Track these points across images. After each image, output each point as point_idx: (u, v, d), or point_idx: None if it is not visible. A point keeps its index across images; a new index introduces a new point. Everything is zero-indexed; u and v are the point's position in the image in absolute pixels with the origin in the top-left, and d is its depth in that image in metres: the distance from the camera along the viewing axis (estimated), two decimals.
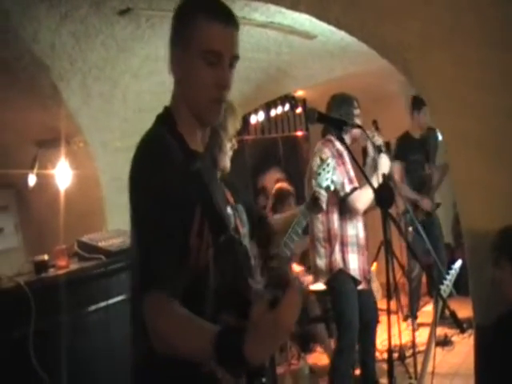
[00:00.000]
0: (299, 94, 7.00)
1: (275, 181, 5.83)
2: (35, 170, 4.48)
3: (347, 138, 3.46)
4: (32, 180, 4.50)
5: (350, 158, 3.45)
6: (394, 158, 5.05)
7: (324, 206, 2.68)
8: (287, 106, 6.83)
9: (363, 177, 2.46)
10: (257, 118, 6.57)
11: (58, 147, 4.31)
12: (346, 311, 3.59)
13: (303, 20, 4.05)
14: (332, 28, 4.37)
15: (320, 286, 4.50)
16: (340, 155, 3.49)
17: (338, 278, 3.54)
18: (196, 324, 1.34)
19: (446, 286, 2.71)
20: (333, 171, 2.74)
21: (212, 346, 1.24)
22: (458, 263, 2.81)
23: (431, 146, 5.72)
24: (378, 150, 3.58)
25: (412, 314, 5.08)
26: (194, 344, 1.30)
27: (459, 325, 2.29)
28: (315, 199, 2.62)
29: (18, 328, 2.84)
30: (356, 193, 3.45)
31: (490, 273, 2.58)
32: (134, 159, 1.48)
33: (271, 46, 4.53)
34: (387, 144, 5.67)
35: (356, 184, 3.50)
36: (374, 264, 6.14)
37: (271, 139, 7.14)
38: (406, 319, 5.60)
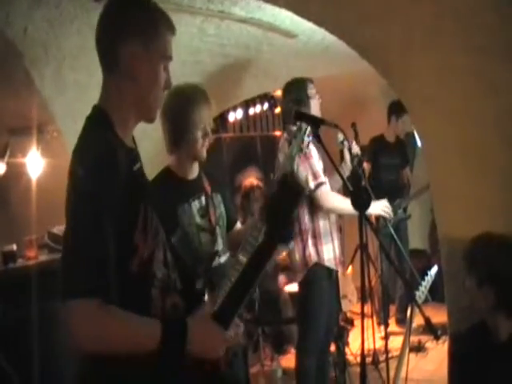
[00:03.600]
0: (278, 93, 6.95)
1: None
2: (6, 159, 4.37)
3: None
4: (1, 168, 4.39)
5: (320, 154, 3.38)
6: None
7: None
8: (266, 105, 6.77)
9: (339, 177, 2.40)
10: (235, 116, 6.50)
11: (30, 135, 4.22)
12: (316, 310, 3.51)
13: (283, 17, 4.00)
14: (313, 27, 4.34)
15: (294, 288, 4.48)
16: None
17: (313, 273, 3.46)
18: (135, 317, 1.41)
19: (422, 292, 2.70)
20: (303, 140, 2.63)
21: (159, 332, 1.39)
22: (434, 269, 2.80)
23: (409, 151, 5.74)
24: (357, 159, 3.57)
25: (384, 320, 5.07)
26: (137, 335, 1.40)
27: (433, 331, 2.26)
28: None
29: None
30: (322, 189, 3.37)
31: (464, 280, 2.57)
32: (75, 162, 1.46)
33: (251, 43, 4.46)
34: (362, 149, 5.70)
35: (321, 179, 3.39)
36: (350, 267, 6.12)
37: (249, 138, 7.09)
38: (379, 325, 5.59)
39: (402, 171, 5.73)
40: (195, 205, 2.61)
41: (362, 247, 2.27)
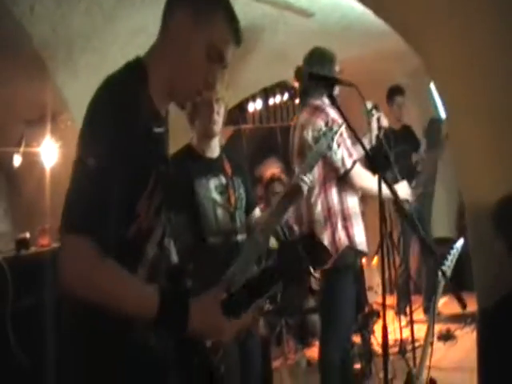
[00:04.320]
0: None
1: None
2: (21, 149, 4.35)
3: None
4: (17, 160, 4.38)
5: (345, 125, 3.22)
6: None
7: (305, 192, 2.61)
8: (286, 96, 6.66)
9: (362, 150, 2.25)
10: (254, 106, 6.41)
11: (44, 125, 4.19)
12: (342, 300, 3.33)
13: None
14: (330, 4, 4.24)
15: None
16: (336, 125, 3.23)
17: (343, 259, 3.17)
18: (133, 277, 1.33)
19: (448, 267, 2.58)
20: (332, 141, 2.68)
21: (157, 302, 1.26)
22: (460, 242, 2.68)
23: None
24: (383, 131, 3.38)
25: (402, 310, 4.93)
26: (132, 297, 1.29)
27: (461, 301, 2.11)
28: (297, 187, 2.57)
29: None
30: (357, 168, 3.20)
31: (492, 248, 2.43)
32: (97, 97, 1.37)
33: (266, 24, 4.36)
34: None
35: (355, 156, 3.17)
36: (375, 258, 5.97)
37: (269, 129, 6.99)
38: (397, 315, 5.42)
39: (411, 157, 5.57)
40: (213, 181, 2.66)
41: (382, 209, 2.15)
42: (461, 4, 2.46)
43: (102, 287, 1.25)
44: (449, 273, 2.59)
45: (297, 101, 6.96)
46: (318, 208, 3.23)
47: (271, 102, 6.61)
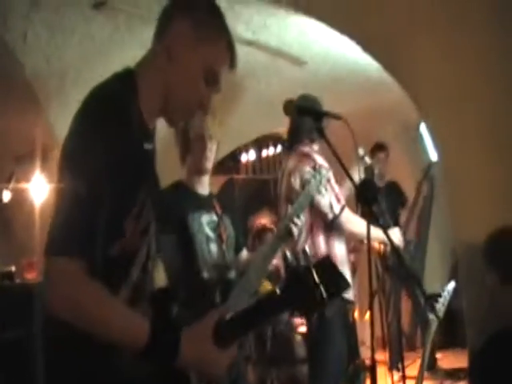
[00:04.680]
0: None
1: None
2: (11, 186, 4.38)
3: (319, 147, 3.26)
4: (7, 196, 4.40)
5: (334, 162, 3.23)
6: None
7: (296, 235, 2.62)
8: (279, 148, 6.72)
9: (349, 181, 2.25)
10: (247, 157, 6.46)
11: (34, 161, 4.21)
12: (329, 349, 3.23)
13: (291, 40, 4.01)
14: (322, 53, 4.35)
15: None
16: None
17: (331, 307, 3.17)
18: (121, 304, 1.26)
19: (439, 308, 2.54)
20: (320, 187, 2.72)
21: (146, 333, 1.19)
22: (451, 285, 2.67)
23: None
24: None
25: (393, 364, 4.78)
26: (120, 322, 1.22)
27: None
28: (288, 230, 2.56)
29: None
30: (346, 213, 3.19)
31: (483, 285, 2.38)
32: (82, 108, 1.27)
33: (259, 71, 4.46)
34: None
35: (343, 201, 3.21)
36: (368, 313, 5.84)
37: (262, 180, 7.00)
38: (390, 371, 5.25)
39: (397, 212, 5.55)
40: (205, 217, 2.63)
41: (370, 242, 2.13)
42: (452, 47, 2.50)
43: (89, 309, 1.19)
44: (440, 314, 2.57)
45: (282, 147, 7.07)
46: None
47: (264, 153, 6.67)
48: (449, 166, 2.89)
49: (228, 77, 1.39)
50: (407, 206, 5.57)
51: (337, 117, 2.53)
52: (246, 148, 6.30)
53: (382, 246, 4.66)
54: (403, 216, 5.56)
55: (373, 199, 2.10)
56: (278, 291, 1.25)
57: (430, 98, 2.71)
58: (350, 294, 3.18)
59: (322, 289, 1.18)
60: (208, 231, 2.63)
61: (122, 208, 1.28)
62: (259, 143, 6.44)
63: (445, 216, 5.11)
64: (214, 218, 2.67)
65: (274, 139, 6.54)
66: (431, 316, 2.55)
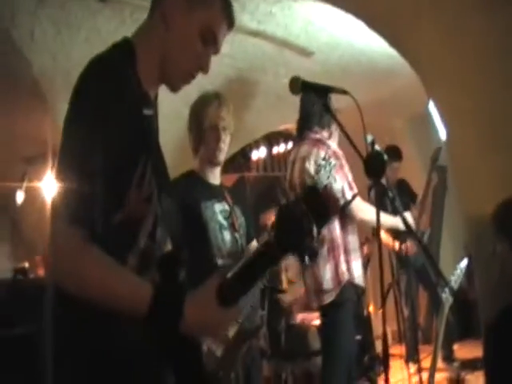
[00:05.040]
0: None
1: None
2: (24, 186, 4.42)
3: (334, 135, 3.25)
4: (20, 197, 4.45)
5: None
6: None
7: None
8: (290, 145, 6.69)
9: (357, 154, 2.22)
10: (258, 154, 6.43)
11: (45, 162, 4.22)
12: (343, 336, 3.19)
13: (298, 31, 3.99)
14: (329, 43, 4.32)
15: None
16: (337, 157, 3.21)
17: (344, 292, 3.11)
18: (124, 270, 1.27)
19: (454, 282, 2.62)
20: (331, 173, 2.80)
21: (149, 297, 1.19)
22: (464, 262, 2.64)
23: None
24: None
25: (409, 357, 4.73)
26: (123, 287, 1.22)
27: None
28: None
29: None
30: (357, 201, 3.17)
31: (494, 263, 2.36)
32: (83, 76, 1.29)
33: (267, 64, 4.44)
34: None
35: (355, 189, 3.17)
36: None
37: (274, 178, 6.98)
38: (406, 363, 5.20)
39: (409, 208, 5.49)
40: (218, 206, 2.66)
41: (378, 219, 2.09)
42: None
43: (92, 275, 1.20)
44: (456, 286, 2.58)
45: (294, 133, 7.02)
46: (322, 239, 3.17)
47: (275, 150, 6.63)
48: (456, 139, 2.85)
49: (237, 72, 1.39)
50: (417, 203, 5.51)
51: (342, 92, 2.50)
52: (256, 145, 6.27)
53: (397, 242, 4.63)
54: (414, 211, 5.50)
55: (381, 171, 2.07)
56: (268, 236, 1.27)
57: (435, 74, 2.68)
58: (360, 280, 3.18)
59: (311, 216, 1.19)
60: (221, 219, 2.64)
61: (124, 176, 1.29)
62: (269, 140, 6.41)
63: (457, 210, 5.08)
64: (226, 207, 2.69)
65: (284, 136, 6.52)
66: (444, 295, 2.53)
